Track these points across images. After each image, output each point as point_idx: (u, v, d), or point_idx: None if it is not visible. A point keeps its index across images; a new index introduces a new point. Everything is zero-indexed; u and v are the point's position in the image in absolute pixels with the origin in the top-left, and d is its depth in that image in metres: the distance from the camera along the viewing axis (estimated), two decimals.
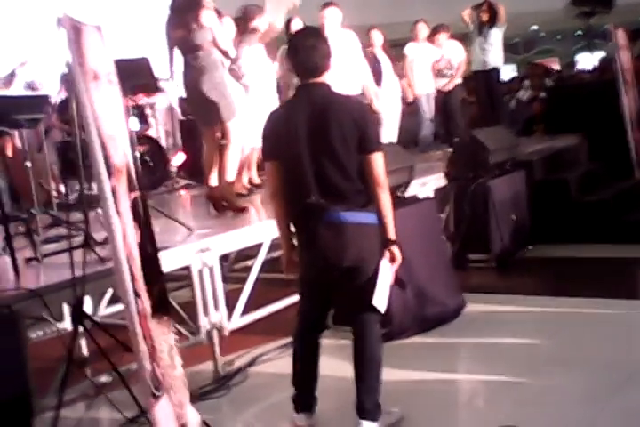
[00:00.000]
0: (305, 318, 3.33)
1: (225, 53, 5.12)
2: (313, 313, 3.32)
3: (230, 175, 5.18)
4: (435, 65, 8.10)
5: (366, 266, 3.13)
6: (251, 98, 5.97)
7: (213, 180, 5.18)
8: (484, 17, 8.31)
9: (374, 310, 3.17)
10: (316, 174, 3.06)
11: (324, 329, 3.37)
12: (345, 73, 6.58)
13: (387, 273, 3.16)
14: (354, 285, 3.16)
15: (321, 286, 3.25)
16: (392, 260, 3.16)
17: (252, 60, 6.06)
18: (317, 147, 3.06)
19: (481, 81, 8.30)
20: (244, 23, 6.11)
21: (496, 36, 8.34)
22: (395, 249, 3.15)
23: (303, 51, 3.12)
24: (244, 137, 5.70)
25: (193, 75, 4.96)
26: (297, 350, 3.33)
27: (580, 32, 15.85)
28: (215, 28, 4.97)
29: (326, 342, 3.39)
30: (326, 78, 3.17)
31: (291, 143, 3.09)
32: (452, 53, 8.12)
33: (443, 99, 8.15)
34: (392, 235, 3.13)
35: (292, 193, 3.15)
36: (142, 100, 7.58)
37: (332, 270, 3.14)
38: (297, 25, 6.54)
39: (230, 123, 5.01)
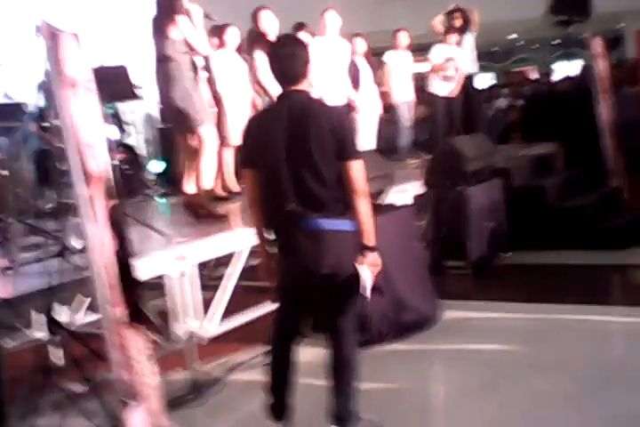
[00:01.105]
0: (281, 325, 3.33)
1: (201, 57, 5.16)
2: (289, 321, 3.31)
3: (206, 182, 5.18)
4: (440, 67, 8.06)
5: (344, 273, 3.13)
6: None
7: (190, 187, 5.18)
8: (457, 23, 8.32)
9: (351, 317, 3.17)
10: (295, 182, 3.05)
11: (300, 337, 3.37)
12: (335, 79, 6.69)
13: (366, 279, 3.15)
14: (331, 292, 3.15)
15: (298, 294, 3.24)
16: (371, 266, 3.15)
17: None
18: (295, 154, 3.05)
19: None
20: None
21: (469, 42, 8.37)
22: (372, 255, 3.14)
23: (282, 58, 3.12)
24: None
25: (164, 84, 5.00)
26: (273, 358, 3.33)
27: (557, 41, 15.99)
28: (191, 38, 4.97)
29: (303, 349, 3.38)
30: (305, 85, 3.16)
31: (269, 151, 3.08)
32: (460, 58, 8.09)
33: (447, 105, 8.11)
34: (371, 241, 3.12)
35: (271, 201, 3.14)
36: (121, 107, 7.56)
37: (311, 278, 3.13)
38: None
39: (202, 130, 5.03)
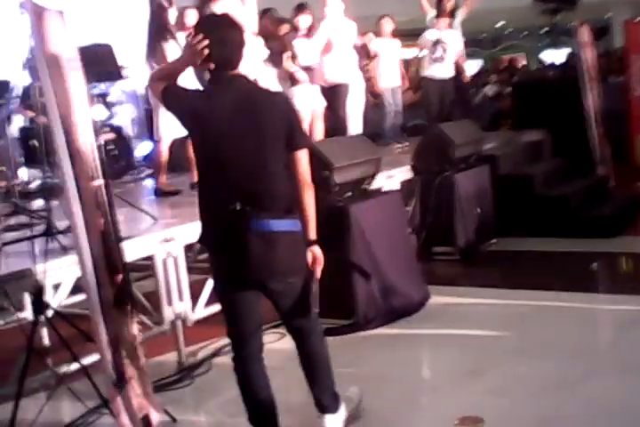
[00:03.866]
0: (240, 338, 2.93)
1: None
2: (247, 328, 2.91)
3: None
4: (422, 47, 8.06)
5: (298, 276, 2.88)
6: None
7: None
8: (449, 5, 8.24)
9: (311, 314, 2.94)
10: (241, 177, 2.75)
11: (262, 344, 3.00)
12: (340, 60, 6.86)
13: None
14: (286, 296, 2.90)
15: (247, 298, 2.89)
16: (314, 261, 2.89)
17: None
18: (243, 145, 2.75)
19: None
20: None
21: (458, 25, 8.34)
22: (316, 249, 2.89)
23: (214, 42, 2.73)
24: None
25: None
26: (245, 380, 2.96)
27: (545, 29, 15.99)
28: (233, 11, 4.96)
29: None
30: (241, 69, 2.86)
31: (210, 139, 2.76)
32: (450, 40, 8.05)
33: (439, 87, 8.04)
34: (313, 235, 2.88)
35: (211, 197, 2.83)
36: (107, 87, 7.49)
37: (262, 283, 2.86)
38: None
39: None
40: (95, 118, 5.83)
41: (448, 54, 7.93)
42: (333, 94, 6.89)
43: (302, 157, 2.85)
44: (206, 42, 2.71)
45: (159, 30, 5.06)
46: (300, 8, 6.83)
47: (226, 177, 2.77)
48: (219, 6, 4.94)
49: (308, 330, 3.01)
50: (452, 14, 8.20)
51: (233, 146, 2.76)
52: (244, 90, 2.82)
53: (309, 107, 6.55)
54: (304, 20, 6.71)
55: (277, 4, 6.74)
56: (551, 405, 3.41)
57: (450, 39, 7.95)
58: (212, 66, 2.78)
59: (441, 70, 7.96)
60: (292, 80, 6.53)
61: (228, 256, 2.82)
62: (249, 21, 5.15)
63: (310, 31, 6.75)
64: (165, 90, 2.81)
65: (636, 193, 7.83)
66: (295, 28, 6.72)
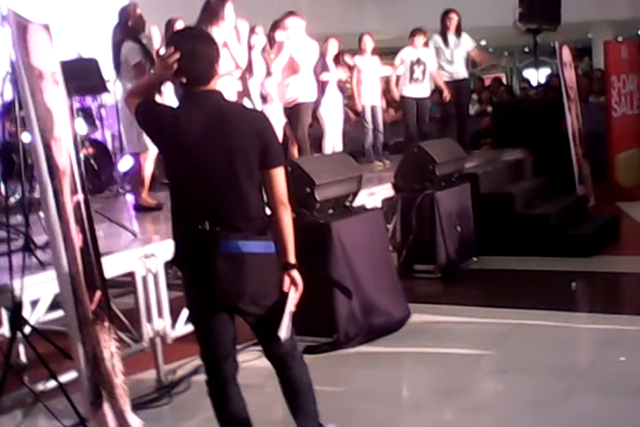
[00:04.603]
0: (217, 363, 2.82)
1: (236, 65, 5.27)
2: (223, 352, 2.81)
3: None
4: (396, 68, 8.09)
5: (271, 300, 2.77)
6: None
7: None
8: (455, 22, 8.23)
9: (289, 339, 2.83)
10: (211, 197, 2.68)
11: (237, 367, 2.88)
12: (306, 79, 6.77)
13: (290, 300, 2.75)
14: (259, 321, 2.78)
15: (222, 322, 2.78)
16: (293, 286, 2.75)
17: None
18: (213, 164, 2.67)
19: (454, 91, 8.13)
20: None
21: (463, 44, 8.32)
22: (295, 274, 2.76)
23: (185, 56, 2.66)
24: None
25: None
26: (224, 411, 2.84)
27: (527, 49, 16.19)
28: (232, 45, 5.01)
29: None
30: (215, 85, 2.76)
31: (183, 156, 2.68)
32: (428, 60, 8.05)
33: (416, 107, 8.07)
34: (292, 258, 2.76)
35: (181, 216, 2.75)
36: (89, 101, 7.46)
37: (235, 308, 2.75)
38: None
39: None
40: (77, 132, 5.82)
41: (426, 74, 7.96)
42: (292, 113, 6.84)
43: (277, 175, 2.74)
44: (177, 55, 2.65)
45: (124, 29, 5.09)
46: (278, 24, 6.88)
47: (196, 196, 2.69)
48: (217, 31, 4.97)
49: (285, 355, 2.86)
50: (457, 32, 8.15)
51: (204, 163, 2.67)
52: (217, 106, 2.73)
53: (280, 125, 6.54)
54: (281, 36, 6.76)
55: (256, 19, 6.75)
56: (532, 423, 3.42)
57: (428, 58, 7.97)
58: (185, 80, 2.69)
59: (418, 90, 7.97)
60: (262, 98, 6.59)
61: (198, 277, 2.72)
62: (242, 51, 5.20)
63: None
64: (139, 106, 2.75)
65: (615, 212, 7.90)
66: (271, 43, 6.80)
